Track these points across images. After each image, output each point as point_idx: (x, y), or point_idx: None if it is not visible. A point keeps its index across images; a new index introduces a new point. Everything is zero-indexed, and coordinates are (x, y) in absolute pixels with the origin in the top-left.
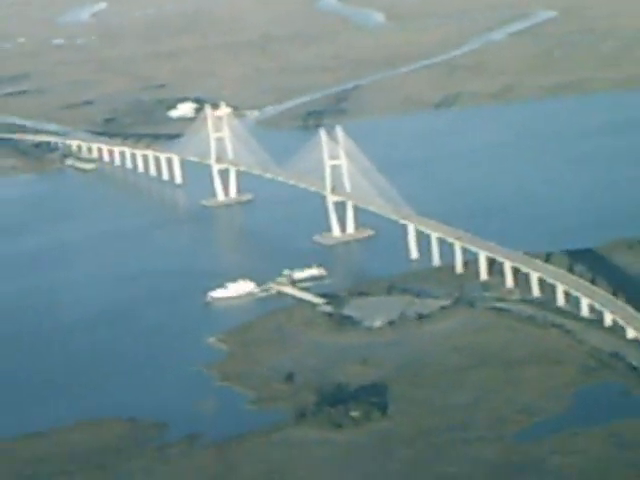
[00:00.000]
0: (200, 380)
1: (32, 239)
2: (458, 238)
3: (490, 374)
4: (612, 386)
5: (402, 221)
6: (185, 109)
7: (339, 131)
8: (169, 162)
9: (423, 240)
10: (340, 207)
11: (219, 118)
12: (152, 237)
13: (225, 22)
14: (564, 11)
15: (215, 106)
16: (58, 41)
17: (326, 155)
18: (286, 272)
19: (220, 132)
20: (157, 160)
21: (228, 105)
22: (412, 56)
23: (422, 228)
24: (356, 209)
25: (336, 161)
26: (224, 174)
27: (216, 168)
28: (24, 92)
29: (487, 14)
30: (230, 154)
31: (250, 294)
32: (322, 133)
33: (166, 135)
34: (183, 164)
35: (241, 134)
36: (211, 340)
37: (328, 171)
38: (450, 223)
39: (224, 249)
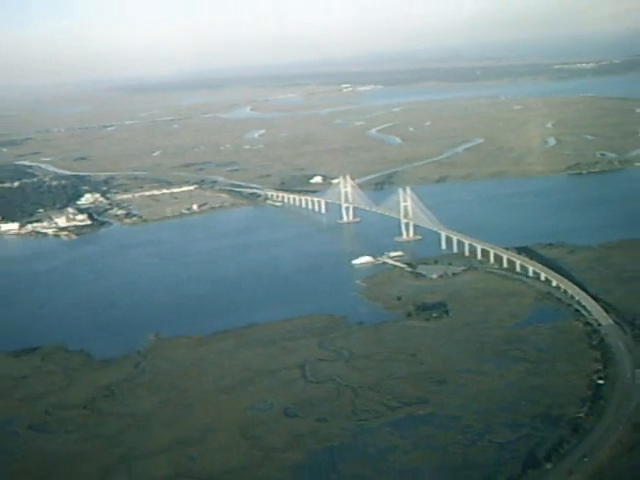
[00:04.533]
0: (356, 299)
1: (253, 237)
2: (466, 238)
3: (492, 300)
4: (549, 307)
5: (437, 231)
6: (317, 179)
7: (408, 189)
8: (319, 202)
9: (448, 240)
10: (406, 225)
11: (345, 181)
12: (313, 237)
13: (324, 139)
14: (487, 139)
15: (343, 176)
16: (246, 147)
17: (401, 199)
18: (385, 253)
19: (345, 188)
20: (312, 201)
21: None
22: (418, 158)
23: (447, 234)
24: (414, 226)
25: (405, 203)
26: (347, 208)
27: (344, 205)
28: (236, 170)
29: (451, 140)
30: (350, 198)
31: (371, 262)
32: (400, 190)
33: (310, 190)
34: (326, 203)
35: (354, 189)
36: (357, 281)
37: (402, 207)
38: (460, 231)
39: (351, 242)
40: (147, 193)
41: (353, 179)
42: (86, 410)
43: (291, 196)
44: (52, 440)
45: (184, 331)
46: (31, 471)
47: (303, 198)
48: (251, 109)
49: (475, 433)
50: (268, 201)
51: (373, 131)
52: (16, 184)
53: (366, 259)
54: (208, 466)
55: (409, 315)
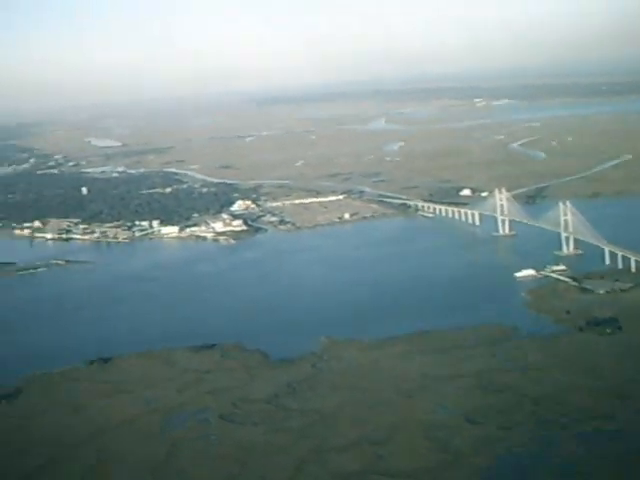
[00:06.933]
0: (523, 311)
1: (409, 246)
2: (632, 254)
3: None
4: None
5: (600, 246)
6: (465, 192)
7: (568, 204)
8: (472, 214)
9: (612, 255)
10: (567, 239)
11: (500, 194)
12: (470, 248)
13: (466, 152)
14: (636, 156)
15: (498, 189)
16: (387, 158)
17: (561, 213)
18: (548, 266)
19: (501, 201)
20: (465, 213)
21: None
22: (566, 173)
23: (611, 249)
24: (575, 239)
25: (565, 216)
26: (503, 221)
27: (500, 218)
28: (382, 180)
29: (597, 156)
30: (505, 211)
31: (533, 275)
32: (560, 204)
33: (460, 203)
34: (480, 215)
35: (510, 202)
36: (522, 294)
37: (562, 221)
38: (622, 246)
39: (510, 255)
40: (297, 201)
41: (508, 192)
42: (270, 405)
43: (443, 207)
44: (243, 430)
45: (354, 335)
46: (230, 457)
47: (456, 210)
48: (386, 121)
49: None
50: (419, 212)
51: (515, 145)
52: (168, 190)
53: (529, 272)
54: (396, 465)
55: (581, 329)
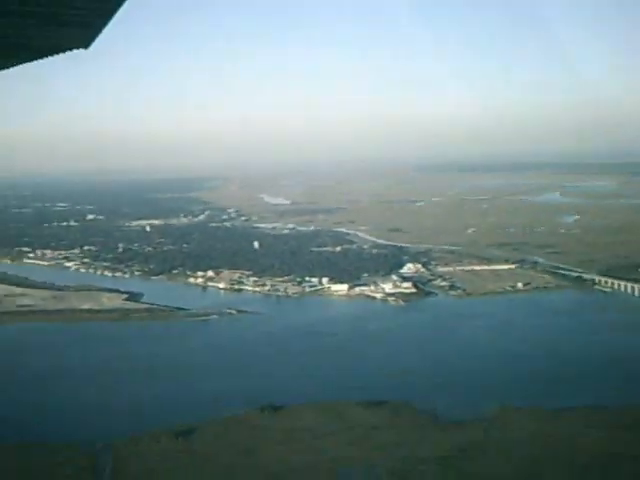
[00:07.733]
0: None
1: (584, 318)
2: None
3: None
4: None
5: None
6: None
7: None
8: None
9: None
10: None
11: None
12: None
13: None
14: None
15: None
16: (561, 230)
17: None
18: None
19: None
20: None
21: None
22: None
23: None
24: None
25: None
26: None
27: None
28: (555, 252)
29: None
30: None
31: None
32: None
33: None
34: None
35: None
36: None
37: None
38: None
39: None
40: (467, 268)
41: None
42: (441, 467)
43: (622, 283)
44: None
45: (526, 403)
46: None
47: (636, 286)
48: (561, 194)
49: None
50: (595, 286)
51: None
52: (338, 249)
53: None
54: None
55: None
